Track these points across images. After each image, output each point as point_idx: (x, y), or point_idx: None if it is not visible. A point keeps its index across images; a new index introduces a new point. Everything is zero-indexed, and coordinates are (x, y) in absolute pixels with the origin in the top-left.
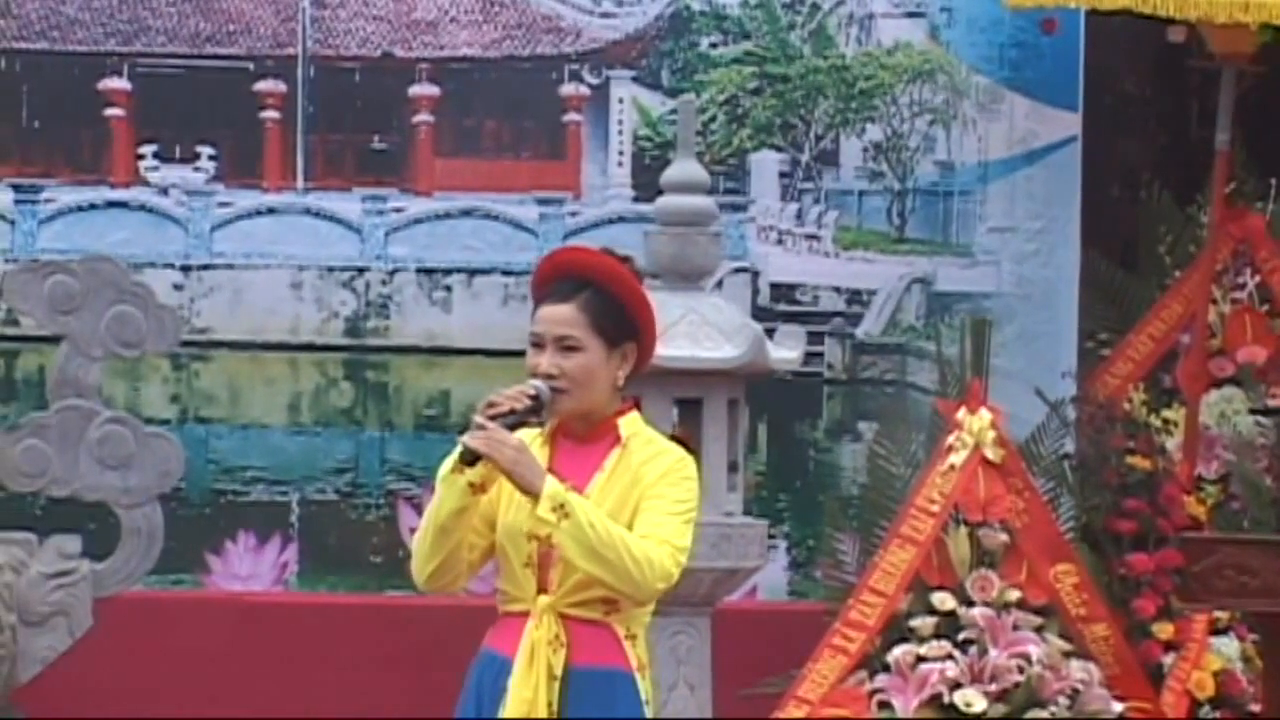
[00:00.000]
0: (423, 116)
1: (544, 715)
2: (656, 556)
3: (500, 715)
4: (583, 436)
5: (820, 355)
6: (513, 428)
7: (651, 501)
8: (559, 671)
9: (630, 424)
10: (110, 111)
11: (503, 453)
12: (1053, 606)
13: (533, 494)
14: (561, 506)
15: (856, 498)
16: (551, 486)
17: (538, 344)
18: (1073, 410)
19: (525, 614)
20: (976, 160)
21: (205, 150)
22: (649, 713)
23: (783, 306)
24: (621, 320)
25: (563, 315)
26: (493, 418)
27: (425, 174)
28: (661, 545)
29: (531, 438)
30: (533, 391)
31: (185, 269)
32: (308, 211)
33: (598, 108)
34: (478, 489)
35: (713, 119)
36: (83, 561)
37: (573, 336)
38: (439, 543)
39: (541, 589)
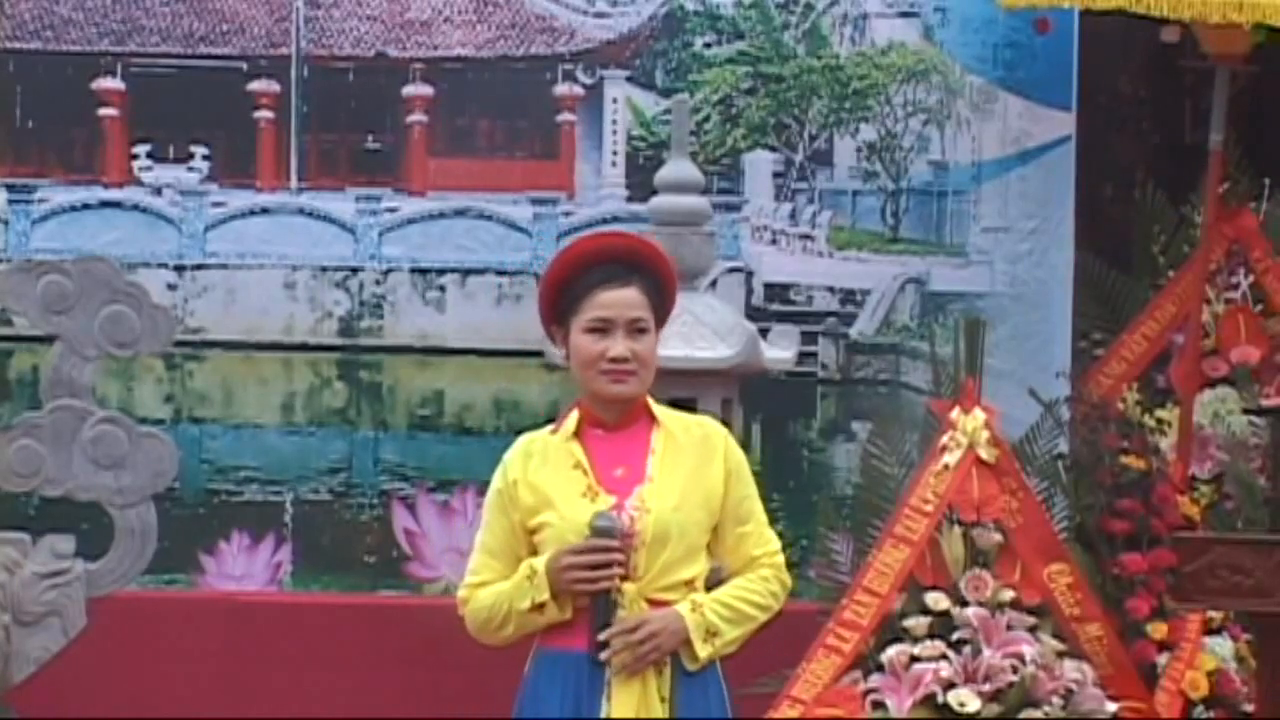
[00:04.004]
0: (417, 116)
1: (658, 706)
2: (776, 585)
3: (608, 714)
4: (614, 424)
5: (814, 355)
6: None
7: (741, 510)
8: (665, 659)
9: (653, 403)
10: (104, 111)
11: (652, 658)
12: (1046, 606)
13: (687, 642)
14: (708, 631)
15: (850, 497)
16: (692, 623)
17: (601, 329)
18: (1066, 410)
19: None
20: (970, 160)
21: (199, 150)
22: None
23: (777, 306)
24: (665, 303)
25: (632, 298)
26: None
27: (419, 174)
28: (769, 566)
29: (543, 441)
30: (616, 542)
31: (179, 269)
32: (301, 211)
33: (591, 107)
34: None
35: (706, 119)
36: (76, 561)
37: (643, 319)
38: (513, 639)
39: (625, 576)
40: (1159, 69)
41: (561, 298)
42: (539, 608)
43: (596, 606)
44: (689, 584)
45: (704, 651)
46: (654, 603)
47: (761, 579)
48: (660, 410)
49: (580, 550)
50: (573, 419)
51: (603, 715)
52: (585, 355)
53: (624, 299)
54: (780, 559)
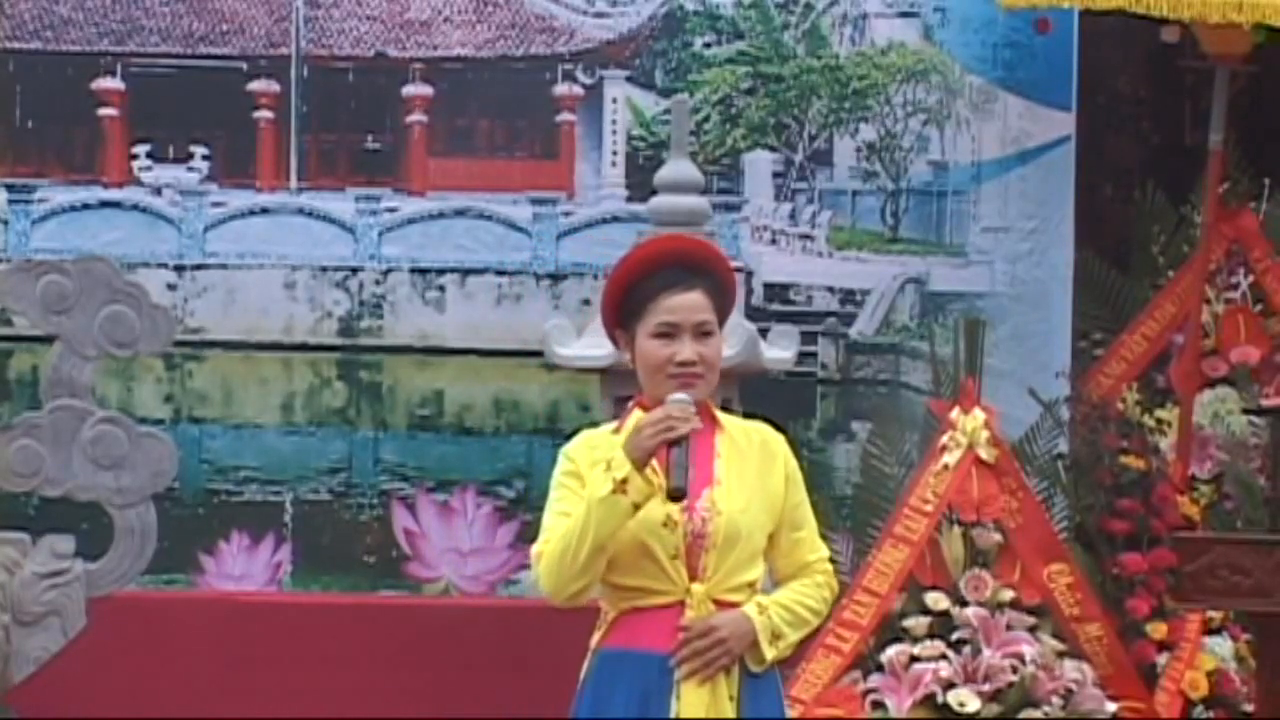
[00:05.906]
0: (416, 116)
1: (727, 706)
2: (828, 591)
3: (678, 714)
4: None
5: (814, 355)
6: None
7: (797, 515)
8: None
9: (713, 407)
10: (104, 111)
11: (723, 663)
12: (1046, 606)
13: (754, 644)
14: (773, 634)
15: (850, 497)
16: (760, 625)
17: (668, 334)
18: (1066, 410)
19: (669, 606)
20: (970, 160)
21: (199, 150)
22: None
23: (776, 306)
24: (726, 305)
25: (699, 302)
26: (680, 433)
27: (419, 174)
28: (821, 573)
29: (606, 438)
30: (692, 408)
31: (179, 269)
32: (301, 211)
33: (591, 107)
34: (639, 507)
35: (706, 119)
36: (76, 561)
37: (709, 322)
38: (593, 562)
39: (693, 577)
40: (1159, 69)
41: (626, 302)
42: (621, 487)
43: (674, 459)
44: (751, 586)
45: (770, 654)
46: (720, 604)
47: (815, 584)
48: (721, 415)
49: (656, 413)
50: (637, 419)
51: (672, 715)
52: (653, 360)
53: (690, 303)
54: (830, 566)
